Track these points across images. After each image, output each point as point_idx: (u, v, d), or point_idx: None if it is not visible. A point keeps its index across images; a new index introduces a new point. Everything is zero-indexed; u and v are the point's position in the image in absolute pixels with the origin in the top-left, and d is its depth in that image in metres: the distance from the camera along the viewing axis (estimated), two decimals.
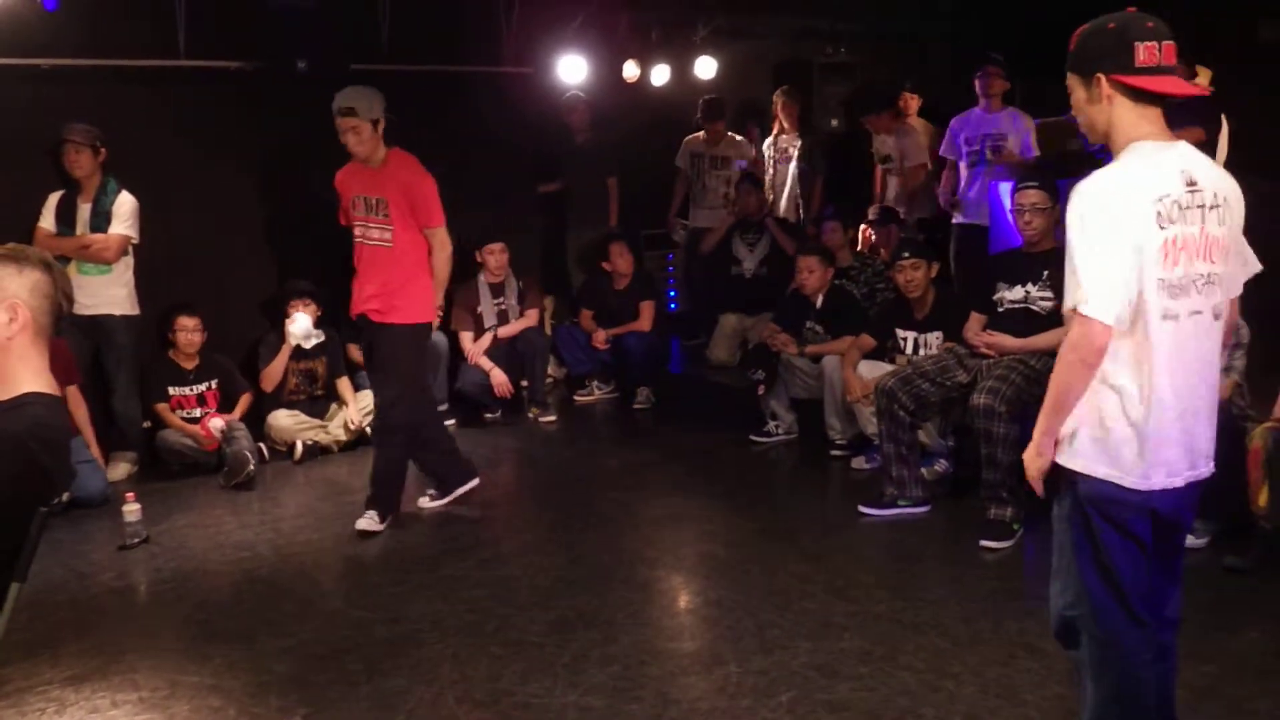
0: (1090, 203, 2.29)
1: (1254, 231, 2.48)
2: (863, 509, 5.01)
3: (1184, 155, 2.39)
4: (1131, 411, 2.34)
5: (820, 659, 3.56)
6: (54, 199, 5.89)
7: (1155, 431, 2.34)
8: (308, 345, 6.44)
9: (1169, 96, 2.34)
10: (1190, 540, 4.30)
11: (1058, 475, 2.47)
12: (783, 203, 8.35)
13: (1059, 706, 3.19)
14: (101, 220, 5.84)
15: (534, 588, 4.30)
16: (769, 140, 8.48)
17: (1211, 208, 2.36)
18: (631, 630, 3.91)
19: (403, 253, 4.85)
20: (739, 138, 8.40)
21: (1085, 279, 2.26)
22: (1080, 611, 2.50)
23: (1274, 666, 3.42)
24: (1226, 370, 4.34)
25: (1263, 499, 4.06)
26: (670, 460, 6.15)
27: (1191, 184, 2.34)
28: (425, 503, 5.29)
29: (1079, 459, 2.41)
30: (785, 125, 8.33)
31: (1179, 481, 2.39)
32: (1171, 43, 2.33)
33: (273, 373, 6.42)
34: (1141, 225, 2.28)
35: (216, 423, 5.99)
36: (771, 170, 8.39)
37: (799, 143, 8.31)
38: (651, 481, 5.78)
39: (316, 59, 6.51)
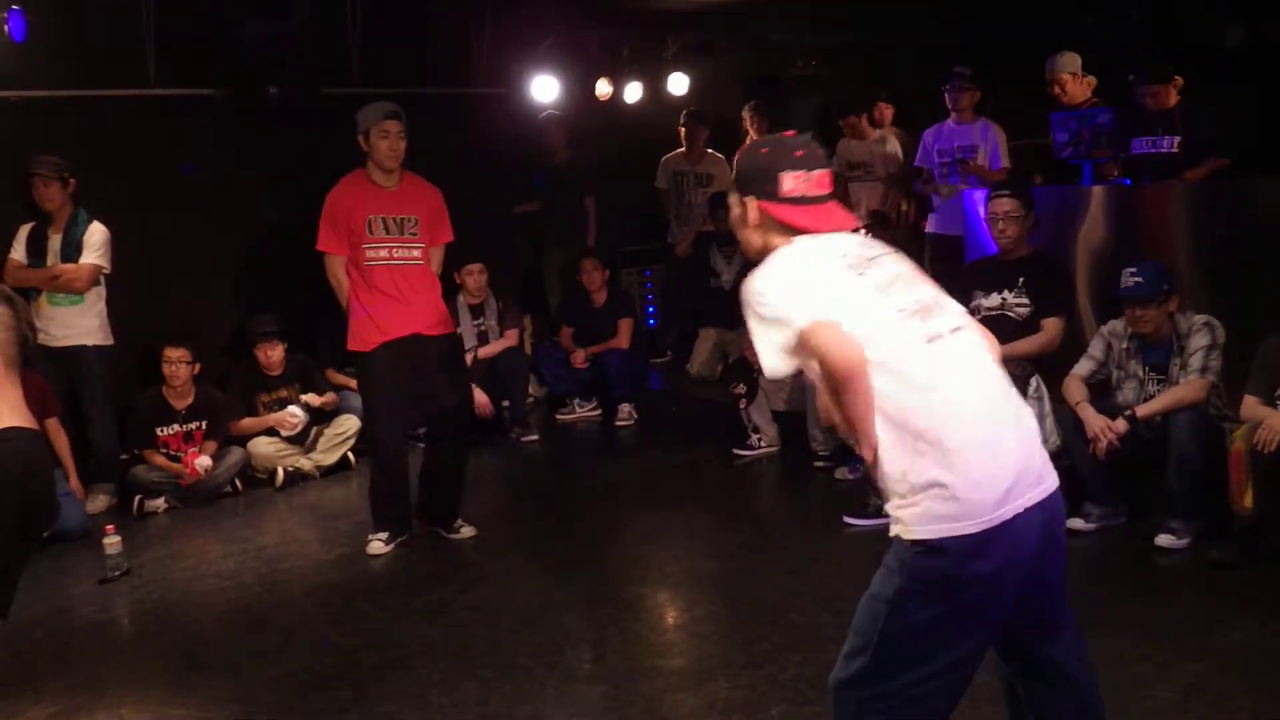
0: (772, 281, 2.19)
1: (1229, 227, 2.49)
2: (847, 519, 5.02)
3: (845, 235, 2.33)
4: (947, 444, 2.11)
5: (809, 671, 3.55)
6: (24, 231, 5.84)
7: (977, 453, 2.11)
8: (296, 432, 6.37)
9: (809, 232, 2.26)
10: (1172, 540, 4.35)
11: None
12: None
13: None
14: (72, 251, 5.79)
15: (520, 609, 4.28)
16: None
17: (887, 255, 2.30)
18: (620, 648, 3.90)
19: (428, 267, 5.03)
20: (720, 156, 8.37)
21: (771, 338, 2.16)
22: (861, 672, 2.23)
23: (1259, 663, 3.44)
24: (1202, 371, 4.37)
25: (1248, 500, 4.07)
26: (654, 476, 6.15)
27: (861, 242, 2.32)
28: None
29: (910, 524, 2.15)
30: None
31: (1025, 504, 2.13)
32: (825, 171, 2.30)
33: (246, 428, 6.29)
34: (839, 280, 2.19)
35: (203, 461, 5.89)
36: None
37: None
38: (635, 498, 5.78)
39: (287, 85, 6.49)
